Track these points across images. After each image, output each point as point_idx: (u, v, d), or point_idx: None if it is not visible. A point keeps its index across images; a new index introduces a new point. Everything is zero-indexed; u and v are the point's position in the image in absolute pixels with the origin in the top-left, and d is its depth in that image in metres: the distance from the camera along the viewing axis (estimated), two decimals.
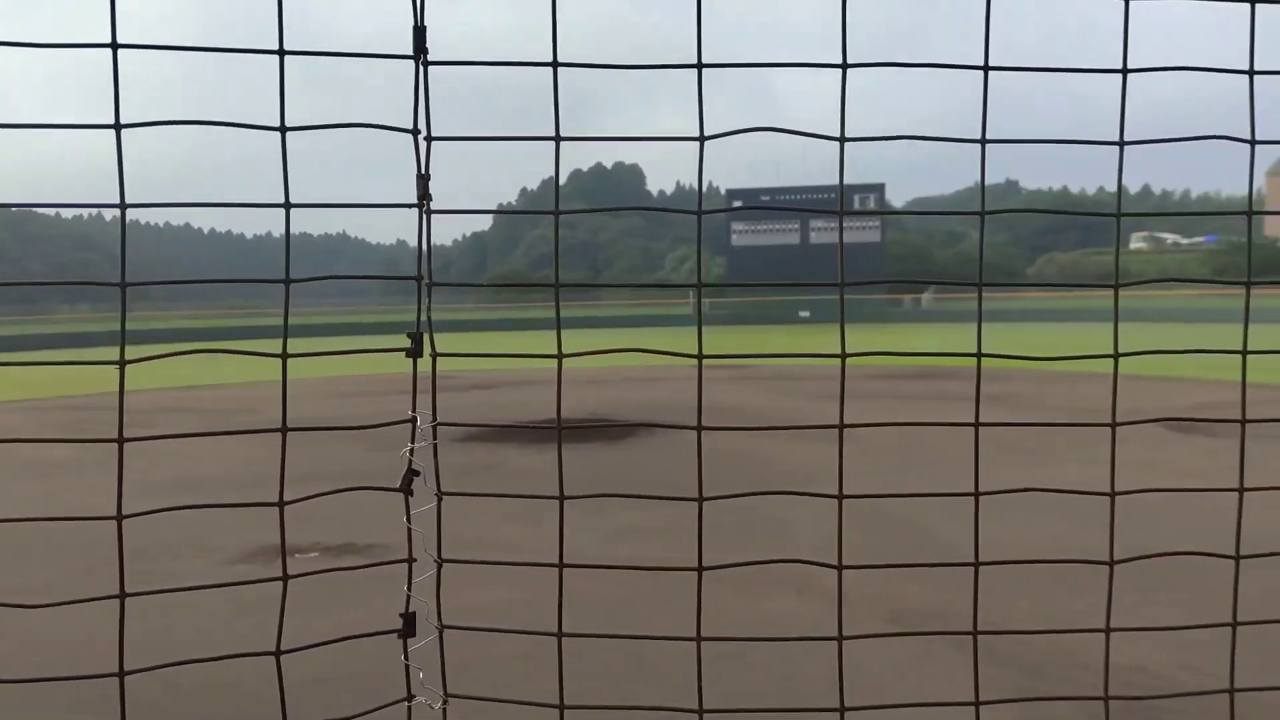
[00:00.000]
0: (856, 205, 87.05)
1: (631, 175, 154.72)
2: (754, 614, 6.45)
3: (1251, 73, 1.74)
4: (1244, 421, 1.86)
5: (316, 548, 8.29)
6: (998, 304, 72.53)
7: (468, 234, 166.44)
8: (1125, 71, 1.70)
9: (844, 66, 1.75)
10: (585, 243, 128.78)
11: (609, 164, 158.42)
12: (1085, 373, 22.64)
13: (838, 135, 1.89)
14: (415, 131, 1.68)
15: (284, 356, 1.68)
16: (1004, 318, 64.24)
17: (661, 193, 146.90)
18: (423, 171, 1.69)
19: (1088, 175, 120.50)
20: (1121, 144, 1.73)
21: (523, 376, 23.17)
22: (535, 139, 1.76)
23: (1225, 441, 12.92)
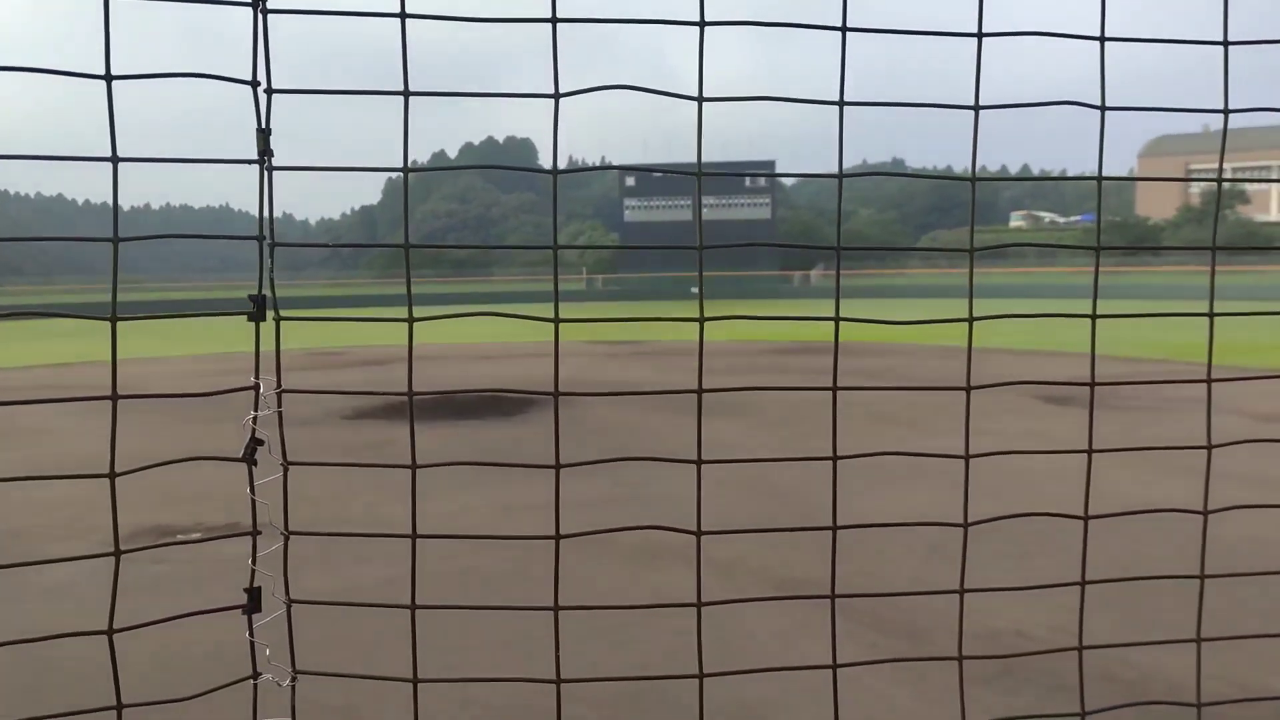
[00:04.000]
0: (747, 182, 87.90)
1: (523, 149, 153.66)
2: (644, 586, 6.48)
3: (1102, 39, 1.77)
4: (1092, 385, 1.91)
5: (199, 528, 8.07)
6: (885, 280, 74.21)
7: (356, 207, 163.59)
8: (980, 36, 1.71)
9: (701, 25, 1.73)
10: (478, 217, 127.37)
11: (500, 138, 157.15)
12: (959, 348, 23.29)
13: (709, 98, 1.87)
14: (254, 83, 1.60)
15: (113, 320, 1.59)
16: (890, 294, 65.70)
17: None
18: (263, 125, 1.61)
19: (970, 153, 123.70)
20: (976, 108, 1.75)
21: (414, 353, 22.80)
22: (381, 93, 1.70)
23: (1099, 413, 13.42)
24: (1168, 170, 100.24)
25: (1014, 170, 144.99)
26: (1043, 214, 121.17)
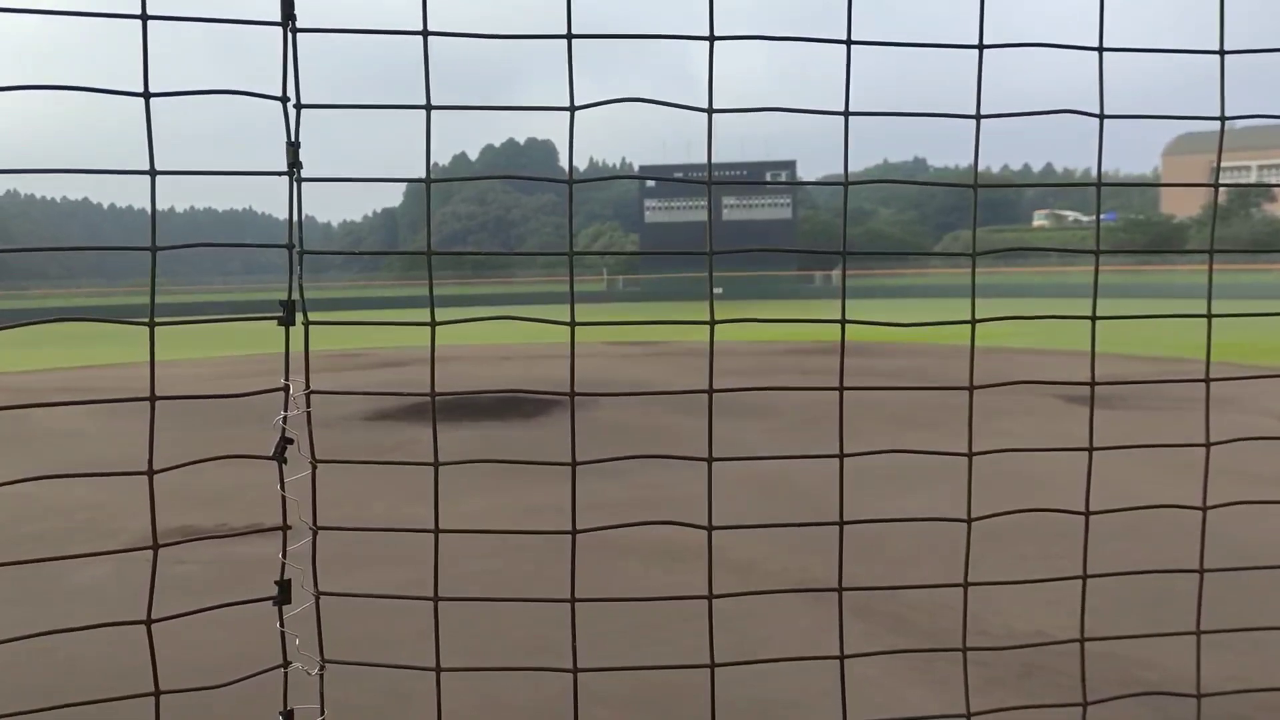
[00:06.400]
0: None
1: (544, 151, 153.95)
2: (664, 586, 6.53)
3: (1100, 49, 1.82)
4: (1093, 384, 1.95)
5: (223, 529, 8.16)
6: (907, 280, 74.09)
7: (379, 210, 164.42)
8: (981, 47, 1.76)
9: (711, 39, 1.78)
10: (498, 219, 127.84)
11: (521, 140, 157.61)
12: (987, 348, 23.25)
13: (718, 109, 1.92)
14: (284, 99, 1.67)
15: (151, 324, 1.67)
16: (912, 294, 65.52)
17: (575, 169, 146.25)
18: (292, 139, 1.68)
19: (993, 153, 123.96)
20: (979, 117, 1.80)
21: (436, 354, 22.91)
22: (403, 107, 1.77)
23: (1121, 413, 13.38)
24: (1191, 167, 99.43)
25: (1037, 168, 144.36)
26: (1066, 213, 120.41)
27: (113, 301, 69.23)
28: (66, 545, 7.80)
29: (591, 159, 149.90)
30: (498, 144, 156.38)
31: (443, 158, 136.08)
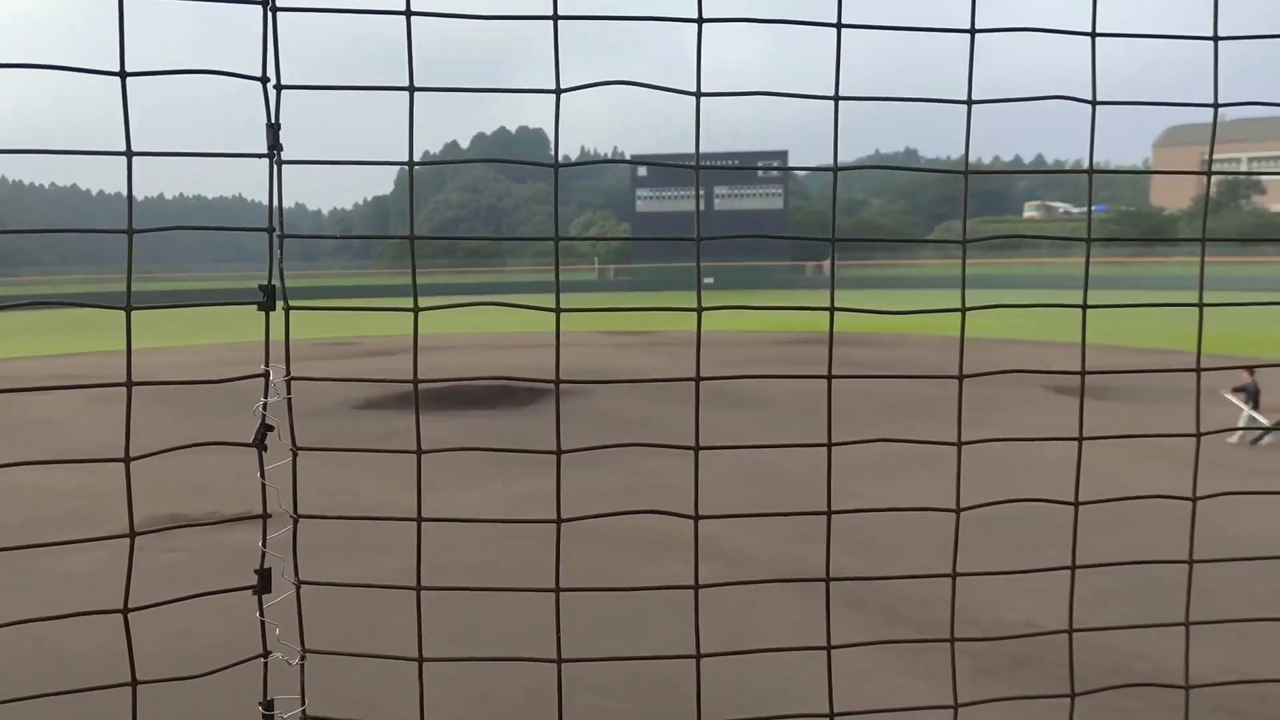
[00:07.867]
0: (759, 173, 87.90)
1: (536, 139, 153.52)
2: (659, 576, 6.53)
3: (1093, 35, 1.80)
4: (1083, 373, 1.94)
5: (214, 517, 8.13)
6: (899, 271, 74.09)
7: (369, 198, 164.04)
8: (973, 31, 1.74)
9: (699, 21, 1.76)
10: (490, 207, 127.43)
11: (513, 129, 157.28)
12: (979, 339, 23.27)
13: (706, 93, 1.90)
14: (264, 80, 1.64)
15: (128, 309, 1.64)
16: (904, 284, 65.52)
17: (565, 157, 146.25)
18: (272, 120, 1.65)
19: (985, 145, 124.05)
20: (970, 102, 1.78)
21: (424, 342, 22.92)
22: (385, 88, 1.74)
23: (1113, 404, 13.40)
24: (1182, 159, 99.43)
25: (1028, 159, 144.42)
26: (1056, 204, 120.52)
27: (105, 288, 68.95)
28: (58, 532, 7.77)
29: (584, 148, 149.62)
30: (489, 132, 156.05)
31: (435, 145, 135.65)
